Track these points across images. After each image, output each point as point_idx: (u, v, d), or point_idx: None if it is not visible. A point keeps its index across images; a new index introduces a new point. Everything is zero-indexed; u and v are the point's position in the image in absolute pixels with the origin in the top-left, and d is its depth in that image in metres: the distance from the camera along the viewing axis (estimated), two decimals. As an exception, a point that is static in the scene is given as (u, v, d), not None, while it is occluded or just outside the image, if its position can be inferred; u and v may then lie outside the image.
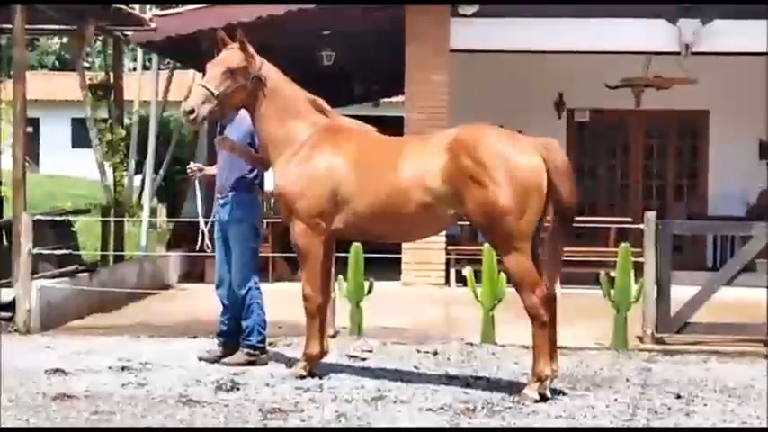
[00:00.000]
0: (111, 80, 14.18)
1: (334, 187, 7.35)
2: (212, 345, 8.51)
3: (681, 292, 9.51)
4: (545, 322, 6.94)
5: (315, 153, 7.47)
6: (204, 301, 11.56)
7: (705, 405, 7.07)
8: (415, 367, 8.21)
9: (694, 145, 16.71)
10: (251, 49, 7.66)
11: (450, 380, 7.71)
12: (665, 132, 16.60)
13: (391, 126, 17.76)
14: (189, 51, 13.73)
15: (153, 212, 14.57)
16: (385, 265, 12.00)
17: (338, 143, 7.51)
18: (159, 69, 18.25)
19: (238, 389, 7.22)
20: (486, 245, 9.20)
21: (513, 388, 7.26)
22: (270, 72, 7.74)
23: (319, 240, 7.57)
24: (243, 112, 7.93)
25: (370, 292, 9.61)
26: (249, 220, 8.17)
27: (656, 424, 6.50)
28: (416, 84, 13.10)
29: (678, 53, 13.06)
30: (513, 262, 6.95)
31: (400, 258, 12.83)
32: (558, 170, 6.92)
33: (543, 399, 6.91)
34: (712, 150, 16.42)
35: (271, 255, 13.25)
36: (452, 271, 13.07)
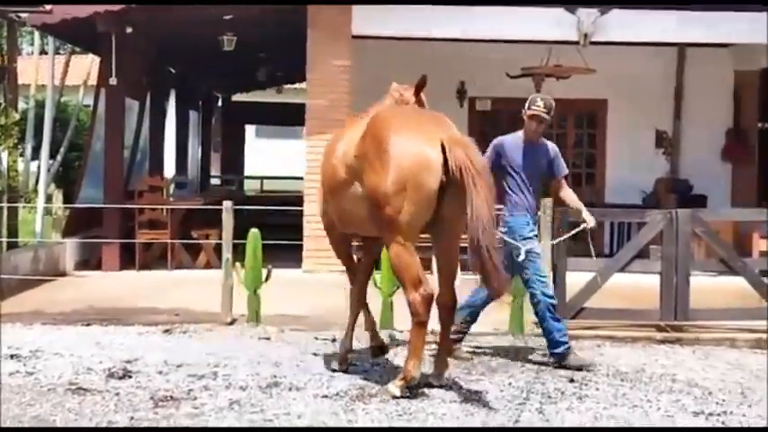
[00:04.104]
0: (5, 63, 13.82)
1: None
2: (105, 332, 8.36)
3: (578, 279, 9.63)
4: (423, 322, 6.64)
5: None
6: (99, 288, 11.39)
7: (597, 389, 7.18)
8: (314, 354, 8.17)
9: (593, 134, 16.94)
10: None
11: (347, 366, 7.68)
12: (565, 121, 16.79)
13: (293, 112, 17.86)
14: (85, 34, 13.43)
15: (49, 198, 14.24)
16: (287, 252, 11.96)
17: (339, 137, 7.53)
18: (57, 53, 17.86)
19: (130, 377, 7.11)
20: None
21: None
22: None
23: (336, 243, 7.84)
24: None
25: (268, 279, 9.53)
26: None
27: (548, 408, 6.56)
28: (318, 70, 13.00)
29: (577, 43, 13.18)
30: (392, 254, 6.71)
31: (302, 246, 12.76)
32: (461, 169, 6.44)
33: (405, 396, 6.70)
34: (610, 139, 16.66)
35: (170, 242, 13.06)
36: (354, 258, 13.00)
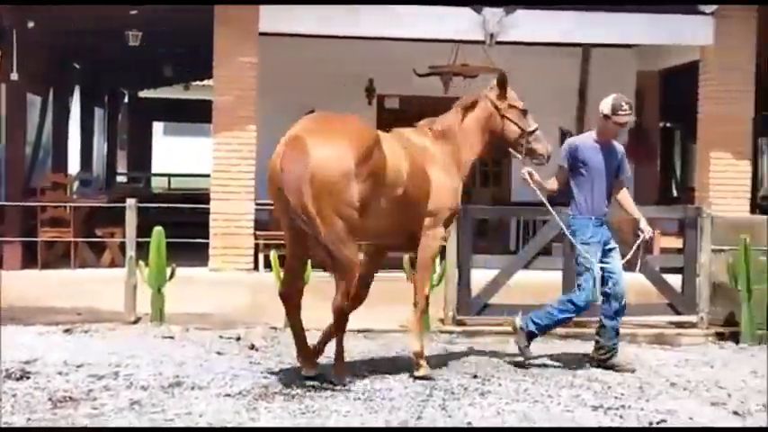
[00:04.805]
0: None
1: None
2: (4, 332, 8.18)
3: (484, 276, 9.73)
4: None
5: None
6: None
7: (500, 385, 7.26)
8: (218, 353, 8.12)
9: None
10: None
11: (251, 365, 7.66)
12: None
13: (201, 109, 17.68)
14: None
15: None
16: (195, 250, 11.86)
17: None
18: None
19: (28, 377, 6.98)
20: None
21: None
22: None
23: None
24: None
25: (172, 277, 9.43)
26: None
27: (451, 404, 6.61)
28: (225, 67, 12.89)
29: (483, 42, 13.29)
30: None
31: (209, 244, 12.66)
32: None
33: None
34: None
35: (73, 240, 12.83)
36: (261, 256, 12.97)
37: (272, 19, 12.89)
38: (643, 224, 8.06)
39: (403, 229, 7.42)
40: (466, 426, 6.16)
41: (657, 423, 6.36)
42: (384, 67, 15.90)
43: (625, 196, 8.29)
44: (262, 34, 13.00)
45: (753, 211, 14.21)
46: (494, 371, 7.74)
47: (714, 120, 13.18)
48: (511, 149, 8.02)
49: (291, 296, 7.20)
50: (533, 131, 7.89)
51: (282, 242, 9.55)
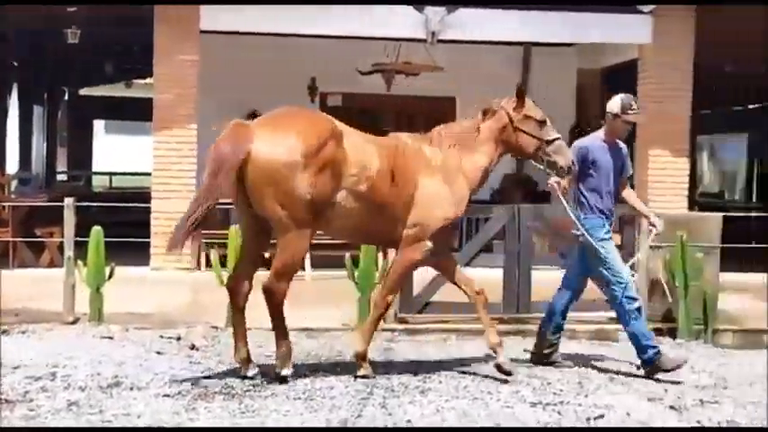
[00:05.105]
0: None
1: None
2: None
3: (428, 274, 9.74)
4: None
5: None
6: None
7: (440, 382, 7.29)
8: (157, 353, 8.06)
9: (442, 131, 17.11)
10: None
11: (191, 365, 7.61)
12: (415, 118, 16.95)
13: (143, 108, 17.55)
14: None
15: None
16: (136, 249, 11.76)
17: None
18: None
19: (-37, 380, 6.87)
20: (233, 227, 9.16)
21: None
22: None
23: None
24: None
25: (111, 277, 9.34)
26: None
27: (391, 402, 6.62)
28: (165, 65, 12.79)
29: (425, 40, 13.33)
30: None
31: (150, 243, 12.56)
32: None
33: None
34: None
35: (11, 240, 12.65)
36: (203, 255, 12.89)
37: (213, 17, 12.83)
38: (654, 219, 8.07)
39: (381, 233, 7.39)
40: (405, 424, 6.17)
41: (595, 418, 6.42)
42: (327, 66, 15.90)
43: (630, 193, 8.29)
44: (203, 32, 12.93)
45: (691, 208, 14.41)
46: (434, 369, 7.76)
47: (653, 118, 13.32)
48: (532, 161, 7.84)
49: (239, 290, 7.19)
50: (551, 141, 7.65)
51: (224, 241, 9.57)
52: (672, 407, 6.83)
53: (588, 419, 6.41)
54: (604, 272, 7.81)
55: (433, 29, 13.06)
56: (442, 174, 7.39)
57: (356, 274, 9.33)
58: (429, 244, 7.33)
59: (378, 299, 7.52)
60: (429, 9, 13.03)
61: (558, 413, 6.54)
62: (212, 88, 14.16)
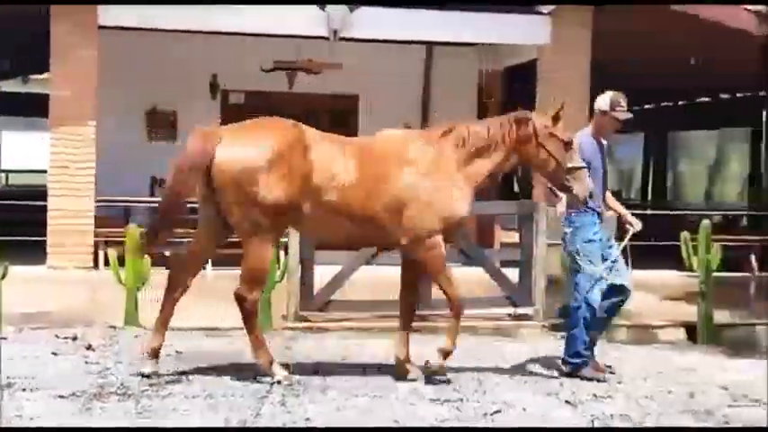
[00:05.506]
0: None
1: None
2: None
3: (331, 272, 9.75)
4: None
5: None
6: None
7: (341, 380, 7.29)
8: (53, 353, 7.91)
9: (345, 130, 17.12)
10: None
11: (88, 365, 7.50)
12: (318, 116, 16.92)
13: (41, 103, 17.19)
14: None
15: None
16: (32, 248, 11.55)
17: None
18: None
19: None
20: (131, 226, 9.06)
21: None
22: None
23: None
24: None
25: (4, 276, 9.10)
26: None
27: (291, 401, 6.61)
28: (63, 61, 12.57)
29: (327, 38, 13.34)
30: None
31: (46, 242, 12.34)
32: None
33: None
34: (361, 135, 16.92)
35: None
36: (101, 254, 12.70)
37: (111, 13, 12.64)
38: (630, 218, 8.02)
39: (368, 237, 7.48)
40: (304, 423, 6.17)
41: (492, 414, 6.50)
42: (229, 63, 15.77)
43: (607, 193, 8.18)
44: (102, 28, 12.73)
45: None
46: (335, 367, 7.77)
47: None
48: (548, 182, 7.73)
49: (178, 282, 7.18)
50: (572, 169, 7.45)
51: (122, 239, 9.45)
52: (567, 401, 6.96)
53: (485, 415, 6.48)
54: (578, 274, 7.78)
55: (335, 27, 13.09)
56: (431, 173, 7.29)
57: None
58: (438, 238, 7.30)
59: (453, 310, 7.45)
60: (330, 7, 13.05)
61: (457, 409, 6.61)
62: (113, 85, 13.98)
